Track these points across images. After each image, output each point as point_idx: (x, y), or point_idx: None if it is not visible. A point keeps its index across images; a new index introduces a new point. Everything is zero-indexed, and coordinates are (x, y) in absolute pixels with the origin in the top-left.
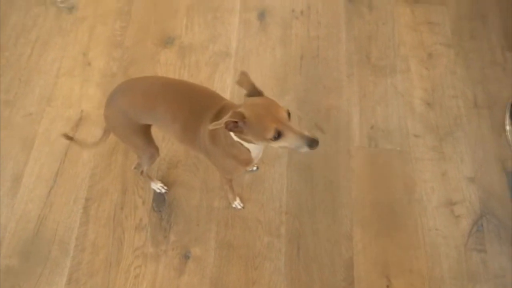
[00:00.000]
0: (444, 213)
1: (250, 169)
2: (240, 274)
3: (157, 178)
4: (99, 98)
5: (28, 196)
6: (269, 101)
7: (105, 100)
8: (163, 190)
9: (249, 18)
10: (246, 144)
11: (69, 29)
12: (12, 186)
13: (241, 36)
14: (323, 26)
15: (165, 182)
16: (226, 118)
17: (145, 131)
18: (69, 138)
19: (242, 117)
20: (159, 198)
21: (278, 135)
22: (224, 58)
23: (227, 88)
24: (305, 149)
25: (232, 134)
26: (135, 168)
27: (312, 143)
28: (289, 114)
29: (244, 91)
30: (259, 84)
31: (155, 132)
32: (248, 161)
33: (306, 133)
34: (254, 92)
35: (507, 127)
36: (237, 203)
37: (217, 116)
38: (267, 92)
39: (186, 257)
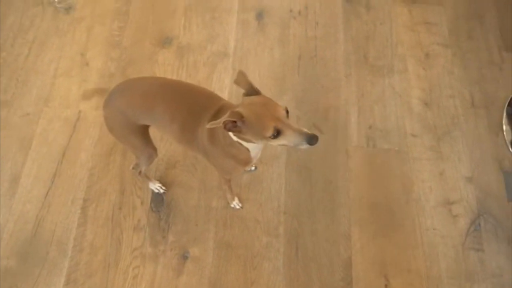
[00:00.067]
0: (442, 212)
1: (249, 169)
2: (238, 274)
3: (155, 178)
4: (97, 98)
5: (26, 196)
6: (267, 99)
7: (103, 100)
8: (162, 191)
9: (247, 18)
10: (245, 144)
11: (67, 29)
12: (10, 187)
13: (239, 36)
14: (321, 26)
15: (163, 183)
16: (224, 117)
17: (143, 131)
18: None
19: (241, 116)
20: (157, 199)
21: (277, 133)
22: (222, 58)
23: (225, 88)
24: (304, 146)
25: (231, 134)
26: (133, 168)
27: (312, 139)
28: (287, 112)
29: (242, 91)
30: (257, 84)
31: (153, 132)
32: (247, 161)
33: (305, 130)
34: (252, 91)
35: (505, 127)
36: (235, 203)
37: (216, 116)
38: (265, 92)
39: (184, 257)
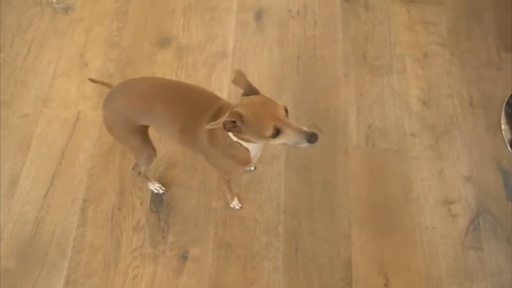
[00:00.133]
0: (441, 211)
1: (248, 169)
2: (238, 274)
3: (155, 178)
4: (96, 99)
5: (25, 197)
6: (266, 99)
7: (102, 101)
8: (161, 191)
9: (246, 18)
10: (245, 144)
11: (65, 30)
12: (9, 188)
13: (238, 36)
14: (320, 26)
15: (163, 183)
16: (224, 118)
17: (143, 132)
18: (95, 81)
19: (240, 116)
20: (157, 199)
21: (277, 132)
22: (221, 58)
23: (224, 89)
24: (304, 144)
25: (230, 134)
26: (132, 169)
27: (311, 137)
28: (286, 111)
29: (241, 91)
30: (256, 84)
31: (153, 132)
32: (247, 161)
33: (305, 128)
34: (251, 91)
35: (503, 126)
36: (235, 203)
37: (215, 117)
38: (265, 92)
39: (184, 257)
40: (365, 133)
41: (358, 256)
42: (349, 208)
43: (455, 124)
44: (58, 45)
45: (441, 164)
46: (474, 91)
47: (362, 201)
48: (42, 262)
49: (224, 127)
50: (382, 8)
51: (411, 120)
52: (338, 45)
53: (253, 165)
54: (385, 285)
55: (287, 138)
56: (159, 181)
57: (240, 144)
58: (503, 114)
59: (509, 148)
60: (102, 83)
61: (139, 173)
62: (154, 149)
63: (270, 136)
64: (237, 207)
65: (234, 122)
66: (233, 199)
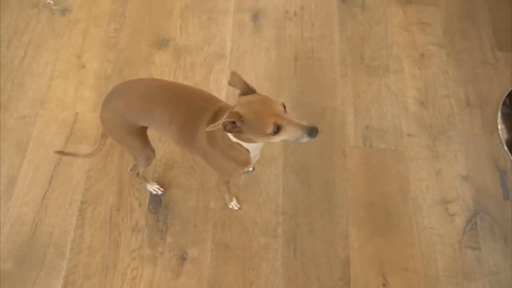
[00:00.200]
0: (439, 211)
1: (246, 170)
2: (237, 275)
3: (153, 179)
4: (94, 100)
5: (22, 199)
6: (263, 97)
7: (100, 102)
8: (160, 192)
9: (243, 19)
10: (245, 144)
11: (62, 31)
12: (6, 189)
13: (235, 37)
14: (317, 27)
15: (161, 184)
16: (223, 119)
17: (142, 133)
18: (63, 153)
19: (239, 116)
20: (155, 200)
21: (278, 129)
22: (219, 59)
23: (222, 89)
24: (305, 139)
25: (230, 135)
26: (131, 170)
27: (312, 131)
28: (284, 107)
29: (238, 91)
30: (253, 85)
31: (152, 133)
32: (246, 162)
33: (305, 123)
34: (247, 90)
35: (499, 126)
36: (233, 204)
37: (214, 118)
38: (262, 93)
39: (183, 258)
40: (362, 133)
41: (356, 256)
42: (347, 208)
43: (452, 124)
44: (55, 47)
45: (439, 164)
46: (471, 91)
47: (360, 201)
48: (40, 264)
49: (224, 128)
50: (379, 9)
51: (408, 120)
52: (335, 46)
53: (252, 166)
54: (384, 284)
55: (288, 134)
56: (158, 182)
57: (240, 145)
58: (499, 113)
59: (506, 148)
60: (70, 155)
61: (138, 174)
62: (153, 150)
63: (271, 134)
64: (236, 208)
65: (234, 122)
66: (231, 200)
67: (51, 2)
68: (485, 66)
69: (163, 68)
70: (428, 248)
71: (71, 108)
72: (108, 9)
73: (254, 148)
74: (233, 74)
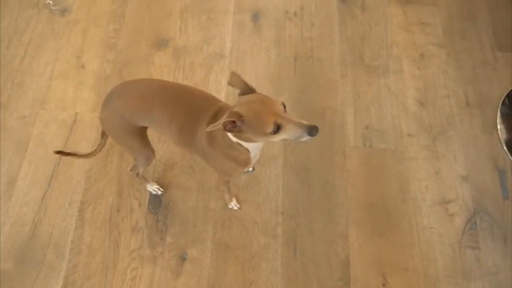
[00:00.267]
0: (438, 211)
1: (246, 169)
2: (237, 275)
3: (153, 180)
4: (93, 100)
5: (22, 199)
6: (263, 96)
7: (99, 102)
8: (159, 192)
9: (243, 19)
10: (245, 144)
11: (62, 31)
12: (6, 190)
13: (235, 38)
14: (317, 27)
15: (161, 184)
16: (223, 119)
17: (141, 133)
18: (62, 153)
19: (239, 116)
20: (155, 200)
21: (278, 128)
22: (218, 59)
23: (222, 90)
24: (305, 137)
25: (230, 135)
26: (130, 170)
27: (312, 130)
28: (284, 106)
29: (237, 91)
30: (253, 85)
31: (151, 133)
32: (246, 162)
33: (305, 122)
34: (247, 90)
35: (499, 126)
36: (233, 204)
37: (214, 118)
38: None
39: (183, 258)
40: (362, 133)
41: (356, 256)
42: (347, 208)
43: (452, 124)
44: (55, 47)
45: (438, 164)
46: (470, 91)
47: (359, 202)
48: (40, 264)
49: (224, 128)
50: (379, 9)
51: (408, 121)
52: (335, 46)
53: (251, 166)
54: (383, 284)
55: (288, 133)
56: (157, 182)
57: (240, 145)
58: (499, 113)
59: (505, 148)
60: (69, 155)
61: (137, 174)
62: (152, 150)
63: (271, 133)
64: (236, 208)
65: (234, 122)
66: (231, 200)
67: (51, 2)
68: (485, 66)
69: (162, 69)
70: (428, 248)
71: (70, 109)
72: (108, 9)
73: (254, 147)
74: (233, 74)
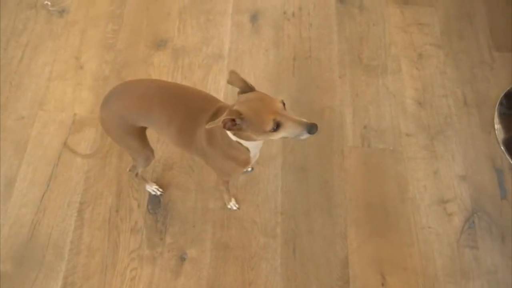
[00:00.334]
0: (437, 211)
1: (245, 169)
2: (236, 275)
3: (152, 180)
4: (92, 101)
5: (21, 200)
6: (262, 94)
7: (98, 103)
8: (158, 192)
9: (241, 20)
10: (245, 143)
11: (60, 32)
12: (5, 191)
13: (234, 38)
14: (315, 27)
15: (160, 184)
16: (223, 116)
17: (141, 133)
18: (69, 148)
19: (239, 114)
20: (154, 200)
21: (277, 126)
22: (217, 60)
23: (220, 90)
24: (305, 135)
25: (229, 134)
26: (129, 170)
27: (311, 128)
28: (283, 104)
29: (237, 91)
30: (252, 84)
31: (150, 133)
32: (246, 161)
33: (304, 119)
34: (246, 88)
35: (496, 126)
36: (232, 204)
37: (213, 118)
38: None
39: (182, 258)
40: (360, 133)
41: (355, 256)
42: (346, 208)
43: (450, 124)
44: (53, 48)
45: (436, 164)
46: (468, 91)
47: (358, 201)
48: (39, 265)
49: (224, 126)
50: (377, 10)
51: (406, 121)
52: (334, 46)
53: (250, 166)
54: (382, 284)
55: (288, 131)
56: (157, 183)
57: (240, 144)
58: (496, 113)
59: (502, 147)
60: (73, 151)
61: (137, 174)
62: (152, 151)
63: (270, 131)
64: (235, 208)
65: (234, 120)
66: (230, 200)
67: (49, 3)
68: (482, 66)
69: (161, 69)
70: (427, 247)
71: (69, 109)
72: (106, 10)
73: (254, 146)
74: (232, 73)
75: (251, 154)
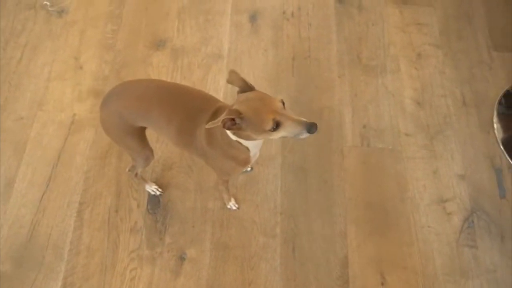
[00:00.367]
0: (436, 210)
1: (245, 169)
2: (236, 275)
3: (152, 180)
4: (91, 101)
5: (20, 200)
6: (262, 94)
7: (97, 103)
8: (158, 192)
9: (240, 20)
10: (244, 142)
11: (59, 33)
12: (4, 191)
13: (233, 38)
14: (314, 27)
15: (159, 184)
16: (223, 116)
17: (140, 133)
18: None
19: (238, 113)
20: (153, 200)
21: (277, 125)
22: (216, 60)
23: (220, 90)
24: (304, 134)
25: (229, 133)
26: (129, 170)
27: (311, 127)
28: (283, 104)
29: (237, 91)
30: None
31: (150, 134)
32: (246, 161)
33: (303, 119)
34: (246, 87)
35: (495, 125)
36: (232, 204)
37: (213, 118)
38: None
39: (182, 258)
40: (360, 133)
41: (354, 255)
42: (345, 207)
43: (449, 124)
44: (52, 48)
45: (436, 163)
46: (467, 90)
47: (358, 201)
48: (38, 265)
49: (224, 125)
50: (376, 10)
51: (405, 120)
52: (333, 46)
53: (250, 166)
54: (382, 283)
55: (287, 130)
56: (156, 183)
57: (240, 144)
58: (495, 113)
59: (501, 147)
60: None
61: (136, 174)
62: (151, 151)
63: (270, 130)
64: (234, 207)
65: (233, 119)
66: (230, 200)
67: (48, 3)
68: (481, 66)
69: (160, 69)
70: (426, 246)
71: (68, 110)
72: (105, 10)
73: (253, 146)
74: (232, 72)
75: (251, 154)
